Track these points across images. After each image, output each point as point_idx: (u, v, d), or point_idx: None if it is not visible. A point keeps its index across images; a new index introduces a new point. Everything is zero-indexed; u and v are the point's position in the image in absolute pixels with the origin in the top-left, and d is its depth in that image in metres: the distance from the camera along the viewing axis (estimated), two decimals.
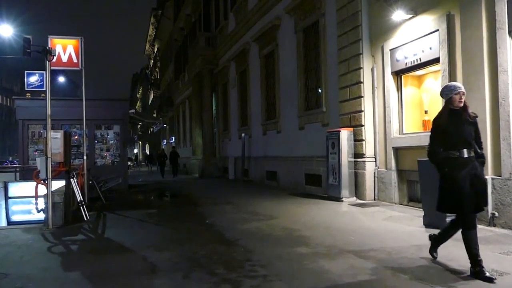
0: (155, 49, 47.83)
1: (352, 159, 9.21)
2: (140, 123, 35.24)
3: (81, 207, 7.87)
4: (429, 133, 4.25)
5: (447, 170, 3.94)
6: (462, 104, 3.98)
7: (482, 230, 4.01)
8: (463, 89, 4.01)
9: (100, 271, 4.50)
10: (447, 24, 6.90)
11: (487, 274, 3.68)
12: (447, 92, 4.05)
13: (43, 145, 11.26)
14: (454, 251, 4.60)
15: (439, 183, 4.08)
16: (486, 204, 4.04)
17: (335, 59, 10.01)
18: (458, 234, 3.98)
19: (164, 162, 23.82)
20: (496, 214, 5.94)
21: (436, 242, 4.44)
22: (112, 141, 13.67)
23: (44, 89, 11.07)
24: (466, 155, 3.90)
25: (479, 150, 4.01)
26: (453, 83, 4.29)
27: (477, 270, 3.73)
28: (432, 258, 4.40)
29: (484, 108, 6.16)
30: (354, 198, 9.12)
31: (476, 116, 4.08)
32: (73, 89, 76.32)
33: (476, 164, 3.95)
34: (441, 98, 4.26)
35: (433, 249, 4.45)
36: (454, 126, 3.96)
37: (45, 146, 7.33)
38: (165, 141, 43.01)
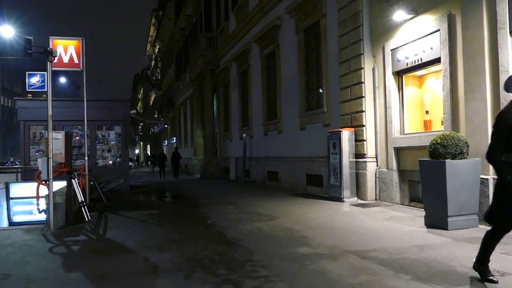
0: (156, 50, 47.87)
1: (353, 159, 9.20)
2: (141, 124, 35.26)
3: (82, 208, 7.88)
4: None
5: (510, 178, 3.32)
6: None
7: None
8: None
9: (102, 271, 4.50)
10: (448, 24, 6.89)
11: (490, 275, 3.63)
12: None
13: (44, 146, 11.31)
14: (455, 251, 4.60)
15: (494, 189, 3.58)
16: None
17: (336, 59, 10.01)
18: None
19: (164, 163, 23.83)
20: None
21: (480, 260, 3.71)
22: (113, 142, 13.71)
23: (45, 90, 11.12)
24: None
25: None
26: None
27: (481, 269, 3.67)
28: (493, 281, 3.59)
29: (485, 108, 6.15)
30: (355, 198, 9.11)
31: None
32: (74, 90, 76.51)
33: None
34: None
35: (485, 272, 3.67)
36: None
37: (47, 147, 7.35)
38: (166, 141, 43.05)
